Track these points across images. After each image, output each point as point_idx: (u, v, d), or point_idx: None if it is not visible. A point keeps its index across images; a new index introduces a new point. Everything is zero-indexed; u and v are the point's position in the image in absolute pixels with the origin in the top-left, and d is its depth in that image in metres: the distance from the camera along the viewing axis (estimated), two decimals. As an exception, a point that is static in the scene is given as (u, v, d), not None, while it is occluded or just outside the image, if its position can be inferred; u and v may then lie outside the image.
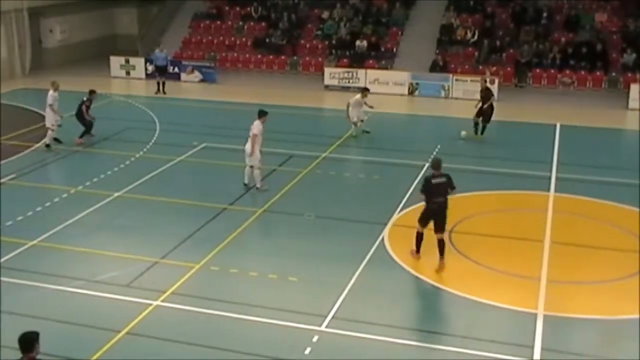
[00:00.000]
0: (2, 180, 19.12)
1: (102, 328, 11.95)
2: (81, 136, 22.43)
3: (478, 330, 12.05)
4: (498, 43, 32.83)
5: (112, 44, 39.18)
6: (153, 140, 22.92)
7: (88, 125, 22.71)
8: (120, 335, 11.75)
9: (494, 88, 27.51)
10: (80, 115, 22.61)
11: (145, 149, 22.03)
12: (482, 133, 23.30)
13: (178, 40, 36.57)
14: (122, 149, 21.95)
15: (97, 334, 11.81)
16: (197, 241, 15.50)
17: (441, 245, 14.14)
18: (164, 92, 30.39)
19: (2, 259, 14.46)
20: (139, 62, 33.88)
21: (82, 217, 16.77)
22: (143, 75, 33.43)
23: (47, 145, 21.74)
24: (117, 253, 14.84)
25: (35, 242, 15.33)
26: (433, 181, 14.00)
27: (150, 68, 32.55)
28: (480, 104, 23.31)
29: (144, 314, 12.44)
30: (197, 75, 33.12)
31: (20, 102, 28.31)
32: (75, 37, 37.52)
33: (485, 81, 24.96)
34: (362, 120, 23.45)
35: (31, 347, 8.60)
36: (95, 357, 11.13)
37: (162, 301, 12.86)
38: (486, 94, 23.46)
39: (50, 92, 22.10)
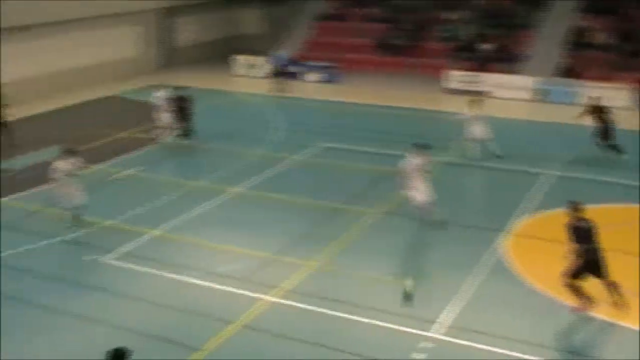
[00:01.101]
0: (129, 172, 20.01)
1: (218, 319, 12.29)
2: (184, 135, 22.62)
3: (601, 350, 11.58)
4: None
5: (238, 44, 40.19)
6: (274, 139, 23.33)
7: (188, 127, 22.62)
8: (234, 327, 12.03)
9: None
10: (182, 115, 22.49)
11: (265, 147, 22.46)
12: (618, 152, 21.02)
13: (301, 41, 37.09)
14: (243, 146, 22.47)
15: (212, 324, 12.15)
16: (313, 239, 15.66)
17: (613, 288, 12.43)
18: (285, 91, 30.88)
19: (126, 247, 15.13)
20: (261, 62, 34.59)
21: (202, 211, 17.31)
22: (265, 75, 34.10)
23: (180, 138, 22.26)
24: (234, 247, 15.21)
25: (157, 232, 15.96)
26: (581, 225, 12.15)
27: (272, 67, 33.12)
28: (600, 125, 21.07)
29: (257, 308, 12.69)
30: (319, 76, 33.47)
31: (147, 98, 29.44)
32: (203, 36, 38.75)
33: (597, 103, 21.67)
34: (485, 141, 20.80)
35: None
36: (209, 346, 11.45)
37: (276, 297, 13.07)
38: (602, 116, 21.08)
39: (160, 92, 22.58)
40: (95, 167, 20.40)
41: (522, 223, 16.44)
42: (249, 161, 21.18)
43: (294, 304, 12.86)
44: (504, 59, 32.52)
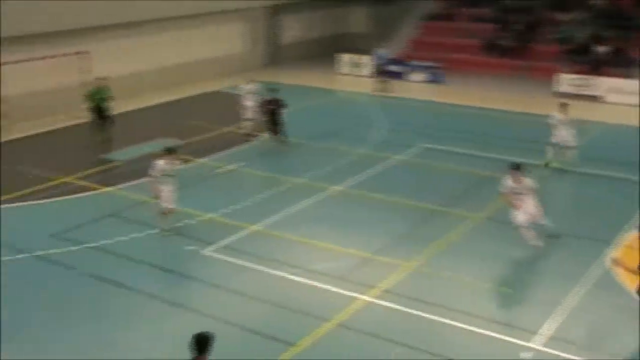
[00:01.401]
0: (231, 167, 20.33)
1: (314, 316, 12.29)
2: (275, 133, 22.32)
3: None
4: None
5: (343, 42, 40.27)
6: (376, 138, 23.22)
7: (278, 130, 22.13)
8: (329, 325, 12.01)
9: None
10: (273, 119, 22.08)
11: (367, 146, 22.38)
12: None
13: (407, 40, 36.81)
14: (345, 145, 22.47)
15: (308, 320, 12.17)
16: (411, 241, 15.48)
17: None
18: (387, 90, 30.77)
19: (226, 241, 15.36)
20: (366, 60, 34.51)
21: (303, 208, 17.39)
22: (370, 73, 34.01)
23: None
24: (333, 245, 15.20)
25: (256, 227, 16.13)
26: None
27: (374, 66, 32.95)
28: None
29: (353, 307, 12.62)
30: (424, 76, 33.12)
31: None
32: (309, 34, 39.04)
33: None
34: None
35: (205, 348, 7.99)
36: (304, 342, 11.47)
37: (372, 297, 12.97)
38: None
39: (249, 86, 23.17)
40: (199, 161, 20.84)
41: (632, 235, 15.71)
42: (350, 160, 21.14)
43: (390, 304, 12.72)
44: (620, 63, 31.21)
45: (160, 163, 15.53)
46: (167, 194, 15.61)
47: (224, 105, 28.37)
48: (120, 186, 18.78)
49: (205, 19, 31.96)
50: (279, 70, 34.07)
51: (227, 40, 33.91)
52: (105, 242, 15.22)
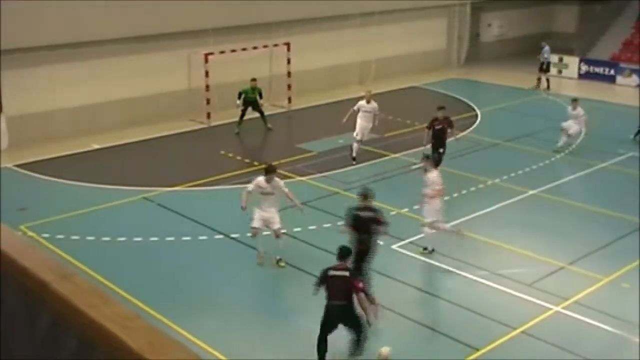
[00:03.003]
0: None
1: (499, 322, 11.93)
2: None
3: None
4: None
5: (548, 41, 38.68)
6: (577, 143, 22.09)
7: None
8: (515, 332, 11.60)
9: None
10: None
11: (567, 151, 21.36)
12: None
13: (618, 41, 34.70)
14: (542, 148, 21.59)
15: (493, 326, 11.82)
16: (609, 253, 14.58)
17: None
18: (548, 88, 29.54)
19: (415, 237, 15.22)
20: (573, 61, 32.93)
21: (494, 209, 16.92)
22: (576, 75, 32.42)
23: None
24: (523, 250, 14.65)
25: (449, 226, 15.86)
26: None
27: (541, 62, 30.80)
28: None
29: (542, 316, 12.10)
30: (634, 80, 31.07)
31: (451, 91, 29.54)
32: (511, 32, 37.91)
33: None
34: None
35: (346, 257, 10.63)
36: (487, 348, 11.16)
37: (563, 308, 12.36)
38: None
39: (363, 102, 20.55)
40: (396, 155, 20.86)
41: None
42: (547, 163, 20.28)
43: (581, 318, 12.08)
44: None
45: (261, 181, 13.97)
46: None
47: (421, 101, 28.27)
48: (313, 176, 19.23)
49: (406, 14, 31.98)
50: (479, 69, 33.36)
51: (426, 36, 33.72)
52: (297, 229, 15.62)
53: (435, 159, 16.89)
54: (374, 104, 20.17)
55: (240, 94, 23.02)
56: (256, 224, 13.74)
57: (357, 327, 10.32)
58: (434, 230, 14.34)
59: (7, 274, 2.01)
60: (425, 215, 14.50)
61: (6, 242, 2.05)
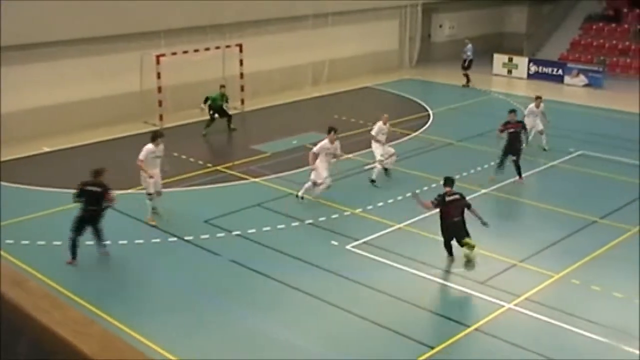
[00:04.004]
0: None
1: (453, 319, 12.07)
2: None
3: None
4: None
5: (498, 42, 39.31)
6: (529, 142, 22.42)
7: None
8: (468, 330, 11.74)
9: None
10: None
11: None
12: None
13: (566, 42, 35.43)
14: (494, 147, 21.84)
15: (446, 324, 11.97)
16: (560, 250, 14.85)
17: None
18: (468, 84, 30.52)
19: (368, 237, 15.33)
20: (522, 62, 33.50)
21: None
22: (525, 75, 32.96)
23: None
24: (478, 248, 14.80)
25: (401, 225, 16.01)
26: None
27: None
28: None
29: (495, 314, 12.27)
30: (582, 79, 31.72)
31: (403, 92, 29.80)
32: (462, 32, 38.39)
33: None
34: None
35: (452, 184, 13.97)
36: (441, 346, 11.27)
37: (516, 305, 12.56)
38: None
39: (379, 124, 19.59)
40: (348, 156, 20.90)
41: None
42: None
43: (534, 314, 12.28)
44: None
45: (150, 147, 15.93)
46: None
47: (374, 101, 28.45)
48: (267, 177, 19.20)
49: (358, 15, 32.14)
50: (431, 69, 33.72)
51: (379, 37, 33.95)
52: (251, 231, 15.61)
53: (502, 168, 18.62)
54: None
55: (206, 99, 22.93)
56: (151, 189, 15.88)
57: (468, 235, 13.56)
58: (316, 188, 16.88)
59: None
60: (314, 177, 16.86)
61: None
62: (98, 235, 14.12)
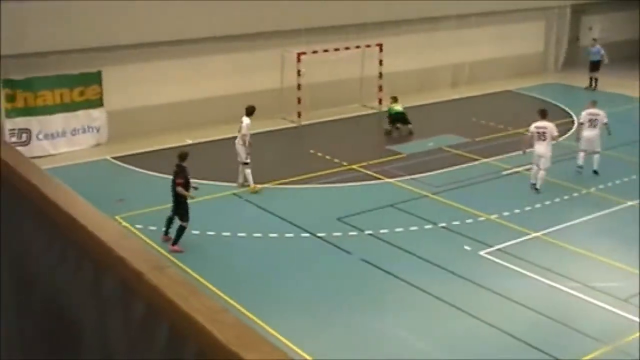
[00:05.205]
0: (518, 169, 19.66)
1: (589, 336, 11.56)
2: None
3: None
4: None
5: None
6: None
7: None
8: (607, 348, 11.21)
9: None
10: None
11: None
12: None
13: None
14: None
15: (582, 340, 11.48)
16: None
17: None
18: (594, 88, 29.26)
19: (503, 244, 14.94)
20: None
21: (589, 219, 16.39)
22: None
23: None
24: (619, 263, 14.14)
25: (539, 234, 15.50)
26: None
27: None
28: None
29: (635, 334, 11.63)
30: None
31: (548, 97, 28.79)
32: (613, 36, 36.62)
33: None
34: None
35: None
36: (577, 362, 10.83)
37: (659, 325, 11.86)
38: None
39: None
40: (485, 160, 20.51)
41: None
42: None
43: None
44: None
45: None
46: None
47: (515, 105, 27.71)
48: (402, 178, 19.11)
49: (502, 16, 31.38)
50: (577, 73, 32.41)
51: (523, 39, 32.99)
52: (384, 231, 15.59)
53: None
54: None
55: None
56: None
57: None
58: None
59: (105, 263, 2.07)
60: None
61: (104, 231, 2.11)
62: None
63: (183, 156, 14.99)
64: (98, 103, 22.05)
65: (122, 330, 2.03)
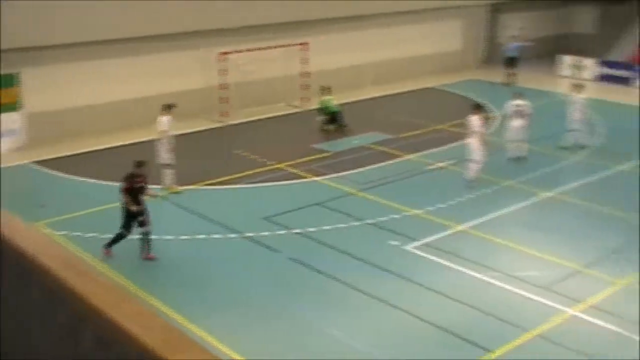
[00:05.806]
0: (441, 164, 20.11)
1: (512, 324, 11.90)
2: None
3: None
4: None
5: (565, 43, 38.45)
6: (594, 145, 21.96)
7: None
8: (529, 335, 11.55)
9: None
10: None
11: (583, 152, 21.25)
12: None
13: (635, 44, 34.41)
14: (560, 149, 21.47)
15: (506, 328, 11.80)
16: (625, 257, 14.48)
17: None
18: (511, 84, 29.85)
19: (428, 238, 15.24)
20: (590, 63, 32.71)
21: (511, 211, 16.87)
22: (592, 77, 32.20)
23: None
24: (539, 253, 14.59)
25: (463, 227, 15.85)
26: None
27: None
28: None
29: (557, 320, 12.04)
30: (652, 82, 30.79)
31: (467, 93, 29.42)
32: (528, 33, 37.68)
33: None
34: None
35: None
36: (500, 351, 11.12)
37: (579, 312, 12.31)
38: None
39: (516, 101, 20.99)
40: (409, 157, 20.84)
41: None
42: (565, 165, 20.20)
43: (597, 322, 12.01)
44: None
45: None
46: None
47: (439, 102, 28.21)
48: (328, 176, 19.23)
49: (422, 15, 31.89)
50: (496, 70, 33.19)
51: (443, 37, 33.62)
52: (312, 229, 15.67)
53: None
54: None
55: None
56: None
57: None
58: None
59: (29, 271, 2.05)
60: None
61: (27, 239, 2.09)
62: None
63: (139, 164, 14.60)
64: (17, 106, 21.45)
65: (47, 337, 2.02)
